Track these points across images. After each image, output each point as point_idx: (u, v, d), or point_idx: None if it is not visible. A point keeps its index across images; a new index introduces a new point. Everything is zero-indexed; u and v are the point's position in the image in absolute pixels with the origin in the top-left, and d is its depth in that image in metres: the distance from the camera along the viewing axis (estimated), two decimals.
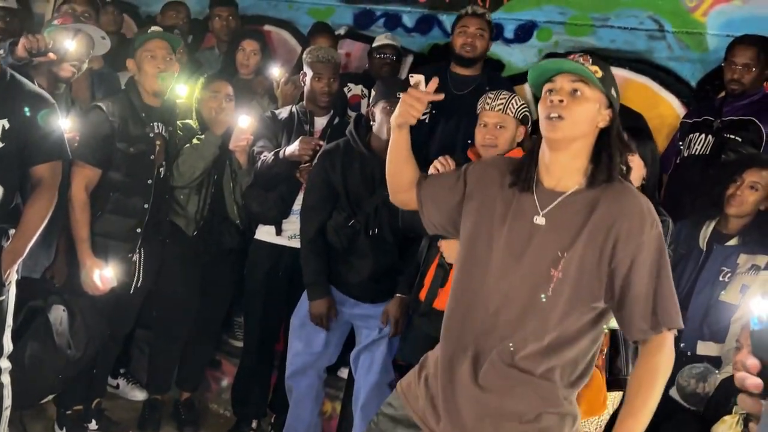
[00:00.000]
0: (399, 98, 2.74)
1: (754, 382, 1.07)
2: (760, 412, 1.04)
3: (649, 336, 1.74)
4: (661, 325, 1.72)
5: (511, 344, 1.79)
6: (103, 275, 2.93)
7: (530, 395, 1.80)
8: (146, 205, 3.08)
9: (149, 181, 3.08)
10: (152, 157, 3.08)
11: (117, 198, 3.03)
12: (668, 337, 1.75)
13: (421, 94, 1.96)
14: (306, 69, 3.30)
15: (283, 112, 3.36)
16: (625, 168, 1.84)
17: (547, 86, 1.82)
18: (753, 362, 1.08)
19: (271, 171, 3.19)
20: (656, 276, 1.73)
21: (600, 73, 1.78)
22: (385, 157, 2.85)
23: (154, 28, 3.13)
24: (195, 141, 3.25)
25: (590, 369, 1.86)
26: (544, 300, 1.76)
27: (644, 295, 1.72)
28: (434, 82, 1.94)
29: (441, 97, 1.98)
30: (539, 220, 1.80)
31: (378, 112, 2.88)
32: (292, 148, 3.11)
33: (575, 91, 1.77)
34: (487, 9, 3.51)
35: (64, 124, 2.76)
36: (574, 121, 1.76)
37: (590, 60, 1.80)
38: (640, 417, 1.72)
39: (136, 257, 3.11)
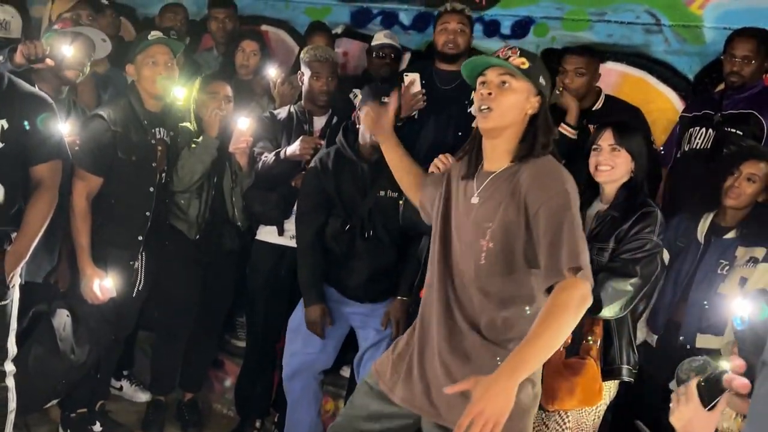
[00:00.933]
0: (384, 103, 2.81)
1: (742, 383, 1.07)
2: None
3: (555, 280, 1.81)
4: (563, 266, 1.79)
5: (471, 313, 2.00)
6: (103, 285, 2.94)
7: (492, 361, 1.89)
8: (148, 213, 3.08)
9: (151, 189, 3.08)
10: (154, 164, 3.08)
11: (118, 207, 3.02)
12: (576, 283, 1.77)
13: (378, 109, 2.25)
14: (303, 68, 3.30)
15: (282, 113, 3.36)
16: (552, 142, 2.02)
17: (479, 79, 2.01)
18: (739, 363, 1.08)
19: (272, 172, 3.20)
20: (558, 225, 1.82)
21: (527, 65, 1.96)
22: (372, 160, 2.91)
23: (154, 32, 3.10)
24: (193, 145, 3.25)
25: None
26: (481, 266, 1.95)
27: (547, 243, 1.83)
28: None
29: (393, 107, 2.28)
30: (474, 200, 2.02)
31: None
32: (293, 148, 3.12)
33: (503, 83, 1.96)
34: (468, 6, 3.49)
35: (65, 128, 2.76)
36: (502, 111, 1.95)
37: (518, 52, 1.98)
38: (528, 347, 1.74)
39: (137, 264, 3.11)
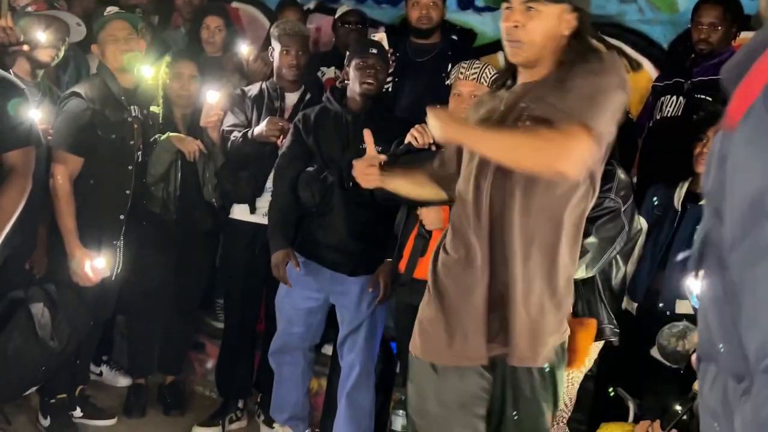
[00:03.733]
0: (372, 53, 2.77)
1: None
2: None
3: (560, 119, 1.66)
4: (577, 114, 1.64)
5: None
6: (95, 266, 2.91)
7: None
8: (128, 191, 3.06)
9: (129, 167, 3.07)
10: (132, 142, 3.06)
11: (99, 187, 3.00)
12: (581, 134, 1.63)
13: (361, 164, 2.12)
14: (273, 43, 3.26)
15: (253, 89, 3.31)
16: None
17: (503, 5, 1.80)
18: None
19: (242, 152, 3.17)
20: (596, 86, 1.68)
21: None
22: (359, 114, 2.88)
23: (110, 8, 3.06)
24: (155, 145, 3.21)
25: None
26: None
27: (575, 92, 1.67)
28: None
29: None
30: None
31: (352, 69, 2.90)
32: (260, 129, 3.09)
33: (529, 8, 1.75)
34: None
35: (38, 113, 2.73)
36: (532, 41, 1.76)
37: None
38: (488, 131, 1.76)
39: (120, 243, 3.08)
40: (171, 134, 3.25)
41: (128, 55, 2.96)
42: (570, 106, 1.66)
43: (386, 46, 3.24)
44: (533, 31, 1.75)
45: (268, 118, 3.11)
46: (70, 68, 3.63)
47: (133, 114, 3.07)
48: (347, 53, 3.00)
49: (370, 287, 2.93)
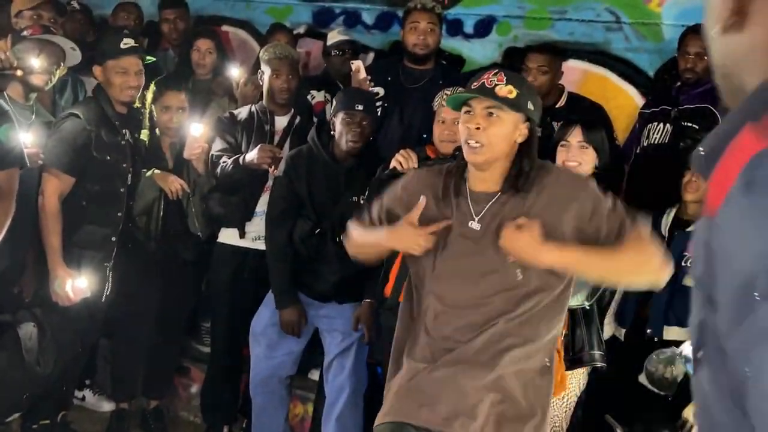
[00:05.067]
0: (359, 110, 2.79)
1: None
2: None
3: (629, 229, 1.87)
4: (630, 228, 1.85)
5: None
6: (76, 285, 2.87)
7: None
8: (120, 213, 3.06)
9: (122, 189, 3.07)
10: (125, 164, 3.06)
11: (93, 208, 3.00)
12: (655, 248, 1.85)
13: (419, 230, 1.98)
14: (263, 67, 3.26)
15: (243, 112, 3.31)
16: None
17: (464, 108, 1.92)
18: None
19: (233, 178, 3.16)
20: (615, 211, 1.88)
21: (514, 93, 1.86)
22: (346, 165, 2.89)
23: (126, 40, 3.04)
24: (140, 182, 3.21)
25: None
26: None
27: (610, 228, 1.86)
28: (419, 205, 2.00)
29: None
30: (475, 225, 1.93)
31: (338, 123, 2.89)
32: (251, 156, 3.07)
33: (490, 113, 1.87)
34: (437, 3, 3.47)
35: (28, 137, 2.73)
36: (492, 144, 1.87)
37: (504, 79, 1.87)
38: (595, 251, 1.83)
39: (110, 265, 3.06)
40: (155, 171, 3.23)
41: (134, 93, 3.01)
42: (624, 225, 1.85)
43: (363, 74, 3.25)
44: (494, 134, 1.87)
45: (259, 145, 3.09)
46: (66, 92, 3.62)
47: (126, 137, 3.07)
48: (334, 101, 3.01)
49: (353, 328, 2.94)
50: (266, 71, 3.24)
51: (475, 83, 1.92)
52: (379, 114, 3.38)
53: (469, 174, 1.98)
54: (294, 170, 2.94)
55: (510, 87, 1.86)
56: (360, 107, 2.86)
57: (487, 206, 1.93)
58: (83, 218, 2.98)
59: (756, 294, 0.60)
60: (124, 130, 3.07)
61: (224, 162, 3.17)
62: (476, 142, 1.87)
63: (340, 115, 2.88)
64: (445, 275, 1.94)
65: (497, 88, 1.86)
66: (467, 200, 1.96)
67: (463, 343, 1.90)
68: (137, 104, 3.32)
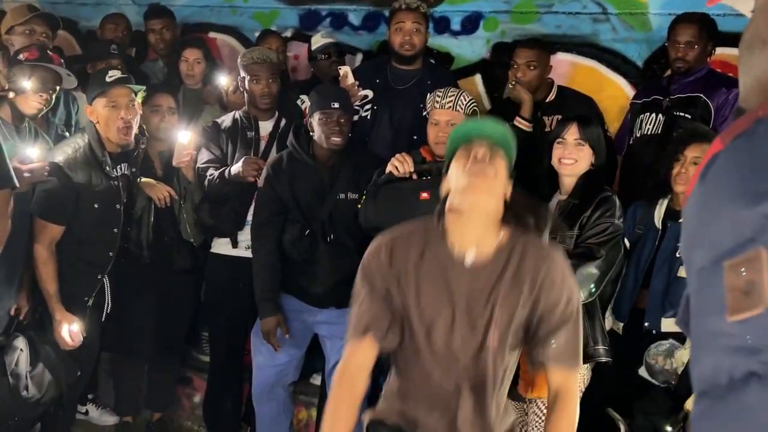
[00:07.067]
0: (335, 108, 2.77)
1: None
2: None
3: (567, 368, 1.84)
4: (578, 361, 1.85)
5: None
6: (72, 330, 2.88)
7: None
8: (111, 254, 3.03)
9: (115, 230, 3.02)
10: (118, 206, 3.00)
11: (83, 250, 2.96)
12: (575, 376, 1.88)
13: None
14: (243, 73, 3.22)
15: (227, 120, 3.27)
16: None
17: (462, 152, 1.77)
18: None
19: (221, 191, 3.13)
20: (575, 324, 1.83)
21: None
22: (329, 164, 2.87)
23: (111, 72, 2.97)
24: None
25: None
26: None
27: (566, 335, 1.82)
28: None
29: None
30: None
31: (315, 123, 2.86)
32: (237, 169, 3.05)
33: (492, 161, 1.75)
34: (422, 2, 3.46)
35: (33, 154, 2.73)
36: (497, 195, 1.76)
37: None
38: None
39: (91, 301, 3.03)
40: (143, 180, 3.21)
41: (127, 131, 2.91)
42: (574, 355, 1.86)
43: (351, 80, 3.22)
44: (497, 186, 1.75)
45: (244, 158, 3.07)
46: (59, 109, 3.60)
47: (119, 172, 3.01)
48: (309, 101, 2.96)
49: None
50: (246, 76, 3.20)
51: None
52: (368, 117, 3.37)
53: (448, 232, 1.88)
54: (275, 177, 2.92)
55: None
56: (336, 105, 2.83)
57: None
58: (75, 258, 2.94)
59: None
60: (117, 167, 3.00)
61: (211, 175, 3.14)
62: (483, 192, 1.77)
63: (317, 116, 2.85)
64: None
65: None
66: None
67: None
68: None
